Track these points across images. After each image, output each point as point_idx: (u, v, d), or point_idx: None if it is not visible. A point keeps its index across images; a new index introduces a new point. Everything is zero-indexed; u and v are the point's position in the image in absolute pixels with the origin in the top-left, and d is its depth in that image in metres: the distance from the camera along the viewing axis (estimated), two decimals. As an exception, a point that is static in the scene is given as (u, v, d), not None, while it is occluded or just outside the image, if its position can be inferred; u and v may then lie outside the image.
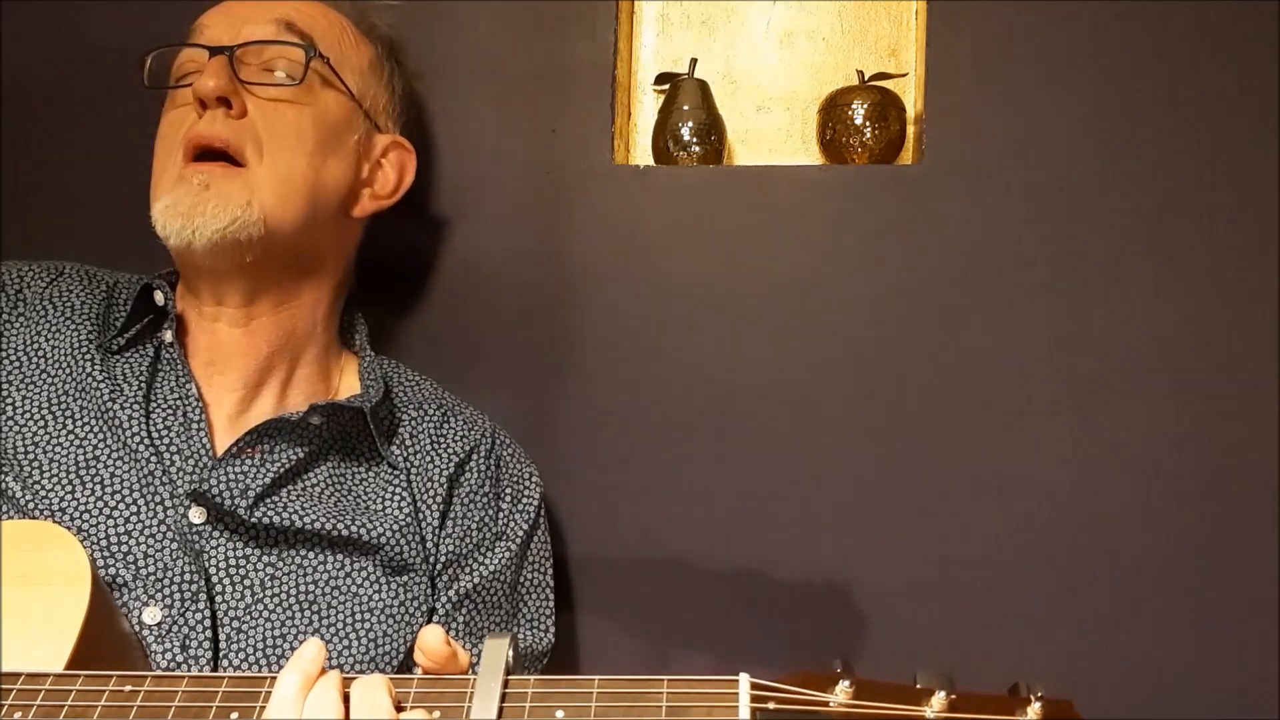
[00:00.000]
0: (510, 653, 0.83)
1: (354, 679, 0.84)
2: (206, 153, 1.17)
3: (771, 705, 0.76)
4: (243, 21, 1.21)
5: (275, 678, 0.84)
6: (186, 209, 1.14)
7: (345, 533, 1.14)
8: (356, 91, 1.26)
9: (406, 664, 1.14)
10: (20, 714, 0.85)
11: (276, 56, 1.21)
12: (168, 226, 1.14)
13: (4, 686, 0.86)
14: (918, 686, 0.77)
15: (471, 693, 0.81)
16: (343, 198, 1.25)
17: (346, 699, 0.83)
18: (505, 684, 0.81)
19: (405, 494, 1.20)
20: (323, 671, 0.85)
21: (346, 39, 1.28)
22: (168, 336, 1.19)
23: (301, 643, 1.08)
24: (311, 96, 1.22)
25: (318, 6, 1.27)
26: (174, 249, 1.16)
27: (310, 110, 1.21)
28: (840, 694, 0.76)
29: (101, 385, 1.15)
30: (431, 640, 0.88)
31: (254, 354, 1.20)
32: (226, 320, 1.20)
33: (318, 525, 1.13)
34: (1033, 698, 0.76)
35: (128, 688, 0.86)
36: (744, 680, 0.78)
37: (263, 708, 0.84)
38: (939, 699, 0.76)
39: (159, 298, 1.19)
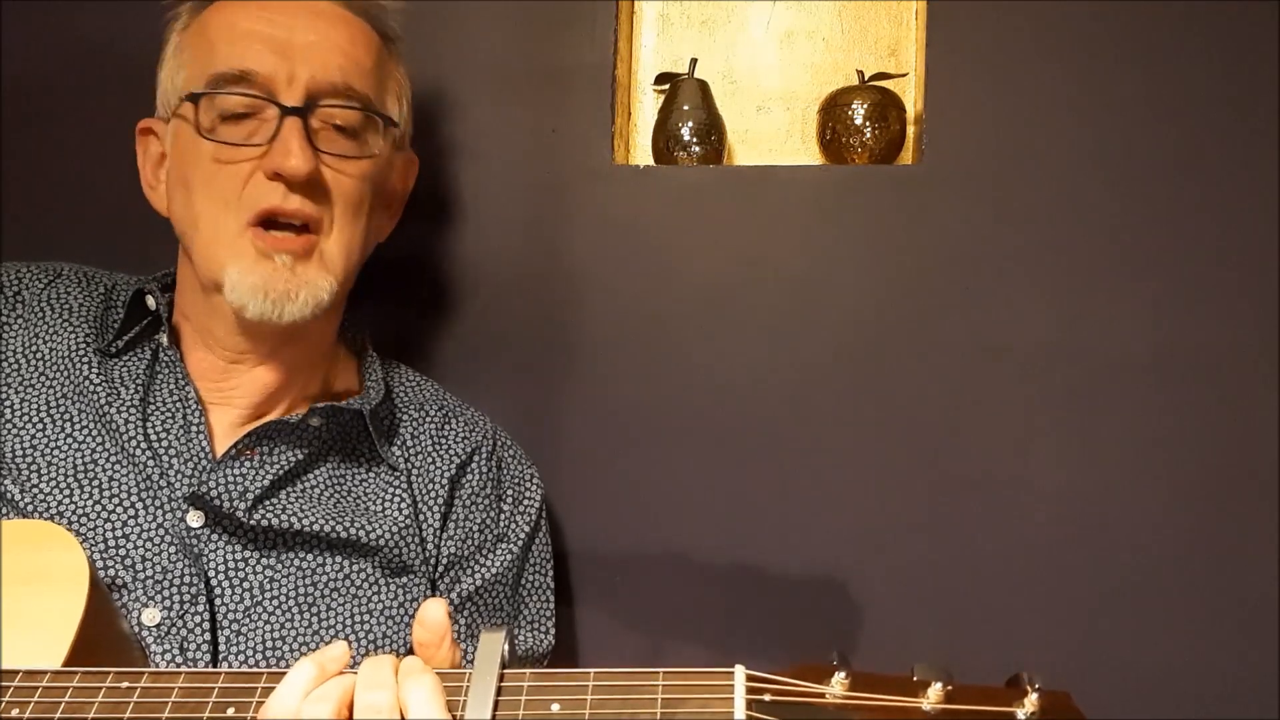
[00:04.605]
0: (506, 646, 0.83)
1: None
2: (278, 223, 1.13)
3: (767, 697, 0.76)
4: (297, 63, 1.13)
5: (271, 673, 0.85)
6: (279, 294, 1.10)
7: (345, 534, 1.14)
8: (402, 129, 1.24)
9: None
10: (18, 710, 0.85)
11: (343, 111, 1.16)
12: (251, 306, 1.10)
13: (2, 684, 0.86)
14: (914, 679, 0.76)
15: (467, 686, 0.81)
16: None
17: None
18: (501, 677, 0.82)
19: (405, 495, 1.20)
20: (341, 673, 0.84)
21: (391, 76, 1.23)
22: (164, 340, 1.18)
23: (301, 644, 1.10)
24: (375, 158, 1.18)
25: (362, 38, 1.19)
26: (249, 318, 1.11)
27: (371, 171, 1.18)
28: (836, 686, 0.76)
29: (99, 389, 1.14)
30: (434, 613, 0.88)
31: (265, 385, 1.18)
32: (248, 364, 1.17)
33: (317, 527, 1.13)
34: (1030, 689, 0.76)
35: (125, 684, 0.86)
36: (739, 672, 0.78)
37: (260, 704, 0.84)
38: (936, 690, 0.75)
39: (150, 303, 1.19)
